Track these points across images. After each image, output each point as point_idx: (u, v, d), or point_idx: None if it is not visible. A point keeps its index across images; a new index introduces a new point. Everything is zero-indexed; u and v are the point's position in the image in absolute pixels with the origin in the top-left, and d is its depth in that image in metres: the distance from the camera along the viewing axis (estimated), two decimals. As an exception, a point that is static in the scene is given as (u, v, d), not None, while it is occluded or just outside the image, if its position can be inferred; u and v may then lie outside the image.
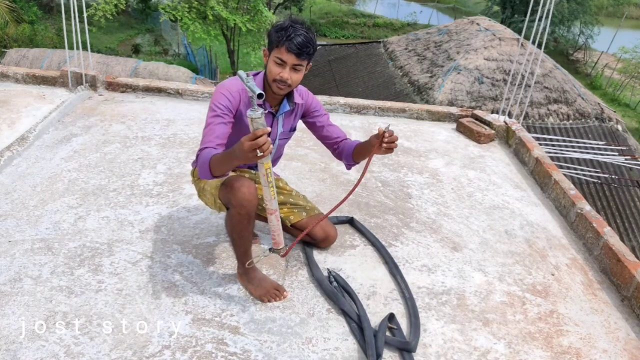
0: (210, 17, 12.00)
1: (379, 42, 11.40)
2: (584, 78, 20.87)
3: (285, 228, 2.34)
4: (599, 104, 8.23)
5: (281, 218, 2.29)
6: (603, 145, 7.10)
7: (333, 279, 2.26)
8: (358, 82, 9.91)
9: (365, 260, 2.46)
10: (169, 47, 19.99)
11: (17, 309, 1.96)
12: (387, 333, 2.01)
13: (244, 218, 1.95)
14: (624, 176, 7.28)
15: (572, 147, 6.79)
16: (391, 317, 2.09)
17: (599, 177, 6.97)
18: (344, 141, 2.30)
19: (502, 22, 18.81)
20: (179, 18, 11.99)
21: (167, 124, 3.71)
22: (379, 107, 4.37)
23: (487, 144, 4.04)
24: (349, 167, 2.33)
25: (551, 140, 6.94)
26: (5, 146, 3.09)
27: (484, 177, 3.48)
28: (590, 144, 7.01)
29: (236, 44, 13.98)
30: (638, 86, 20.66)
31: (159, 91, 4.26)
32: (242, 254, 2.10)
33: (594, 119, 7.93)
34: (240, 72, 1.77)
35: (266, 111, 2.07)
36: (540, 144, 4.16)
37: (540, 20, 3.75)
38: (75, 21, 3.83)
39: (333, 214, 2.37)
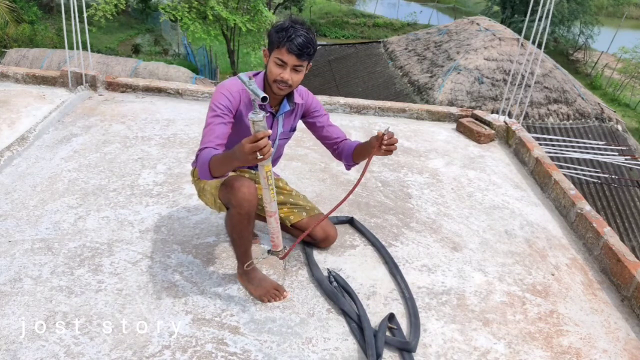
0: (210, 17, 12.00)
1: (379, 42, 11.40)
2: (584, 78, 20.87)
3: (285, 228, 2.34)
4: (599, 104, 8.23)
5: (281, 218, 2.29)
6: (603, 145, 7.10)
7: (333, 279, 2.26)
8: (358, 82, 9.91)
9: (365, 260, 2.46)
10: (169, 47, 19.98)
11: (17, 309, 1.96)
12: (387, 333, 2.01)
13: (243, 218, 1.95)
14: (624, 176, 7.28)
15: (572, 147, 6.79)
16: (391, 317, 2.09)
17: (599, 177, 6.97)
18: (343, 141, 2.30)
19: (502, 22, 18.81)
20: (179, 18, 11.99)
21: (167, 124, 3.71)
22: (379, 107, 4.37)
23: (487, 144, 4.04)
24: (348, 167, 2.33)
25: (551, 140, 6.94)
26: (5, 146, 3.09)
27: (484, 177, 3.48)
28: (590, 144, 7.01)
29: (236, 44, 13.98)
30: (638, 86, 20.65)
31: (159, 91, 4.26)
32: (242, 254, 2.10)
33: (594, 119, 7.92)
34: (242, 75, 1.75)
35: (267, 112, 2.07)
36: (540, 144, 4.16)
37: (540, 20, 3.75)
38: (75, 21, 3.83)
39: (333, 214, 2.37)
